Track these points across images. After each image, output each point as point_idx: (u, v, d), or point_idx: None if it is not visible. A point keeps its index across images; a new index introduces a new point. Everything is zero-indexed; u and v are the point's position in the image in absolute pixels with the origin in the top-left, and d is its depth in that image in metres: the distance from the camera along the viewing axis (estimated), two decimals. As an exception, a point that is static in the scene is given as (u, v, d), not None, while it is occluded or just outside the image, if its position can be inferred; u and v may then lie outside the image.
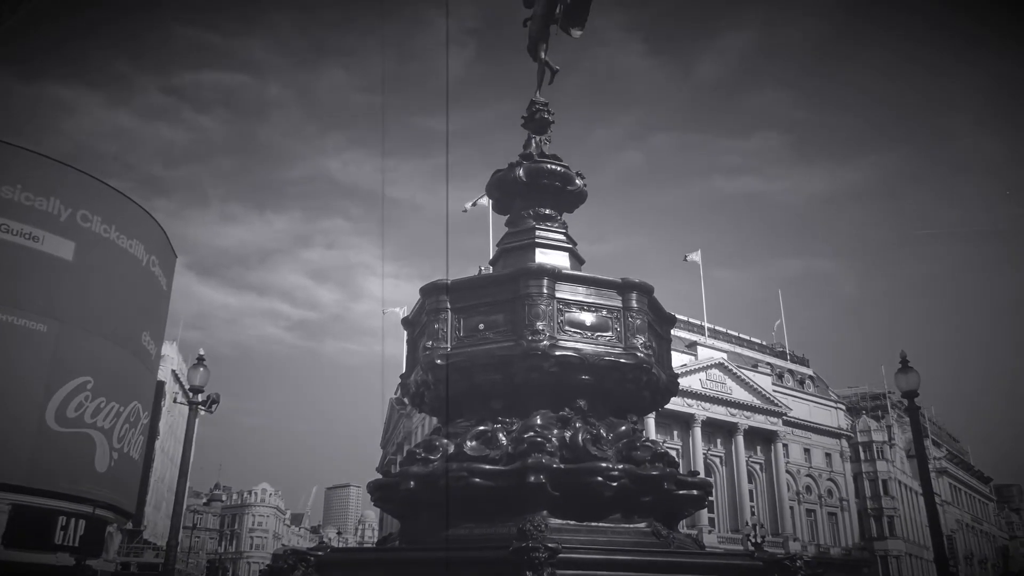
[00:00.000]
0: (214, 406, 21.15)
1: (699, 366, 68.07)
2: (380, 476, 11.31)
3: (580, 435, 9.81)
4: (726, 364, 70.27)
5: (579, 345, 10.35)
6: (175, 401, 65.51)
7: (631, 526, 9.69)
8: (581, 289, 10.76)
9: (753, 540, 52.32)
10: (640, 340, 10.61)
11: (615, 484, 9.42)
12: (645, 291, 11.04)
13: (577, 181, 12.75)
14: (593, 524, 9.51)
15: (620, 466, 9.56)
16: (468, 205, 55.74)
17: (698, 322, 75.92)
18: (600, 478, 9.40)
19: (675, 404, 56.59)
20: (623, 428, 10.44)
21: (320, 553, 9.52)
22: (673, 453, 41.37)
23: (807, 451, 77.52)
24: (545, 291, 10.41)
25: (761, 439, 71.82)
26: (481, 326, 10.66)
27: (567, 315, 10.48)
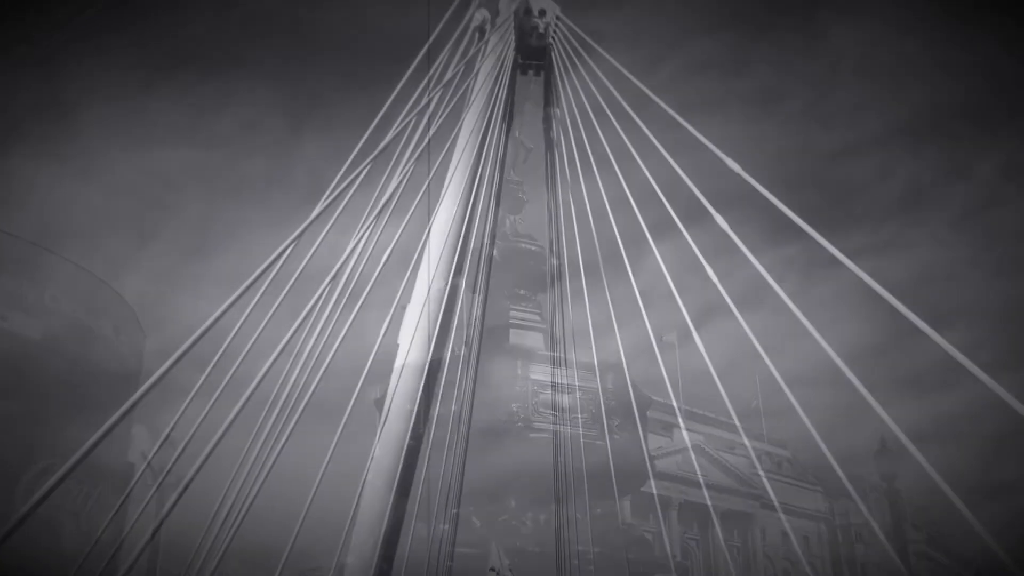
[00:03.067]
0: (183, 489, 20.80)
1: (675, 448, 67.71)
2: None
3: (556, 518, 9.68)
4: (702, 447, 69.93)
5: (554, 427, 10.25)
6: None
7: (608, 612, 9.50)
8: (556, 370, 10.69)
9: (732, 626, 51.62)
10: (615, 422, 10.53)
11: (591, 567, 9.26)
12: (620, 373, 10.97)
13: (552, 261, 12.74)
14: (569, 609, 9.31)
15: (596, 549, 9.41)
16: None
17: (674, 404, 75.58)
18: (576, 561, 9.24)
19: (651, 487, 56.03)
20: (599, 511, 10.30)
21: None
22: (649, 537, 40.90)
23: (785, 534, 76.83)
24: (519, 372, 10.35)
25: (738, 522, 71.18)
26: (456, 407, 10.56)
27: (541, 396, 10.42)
